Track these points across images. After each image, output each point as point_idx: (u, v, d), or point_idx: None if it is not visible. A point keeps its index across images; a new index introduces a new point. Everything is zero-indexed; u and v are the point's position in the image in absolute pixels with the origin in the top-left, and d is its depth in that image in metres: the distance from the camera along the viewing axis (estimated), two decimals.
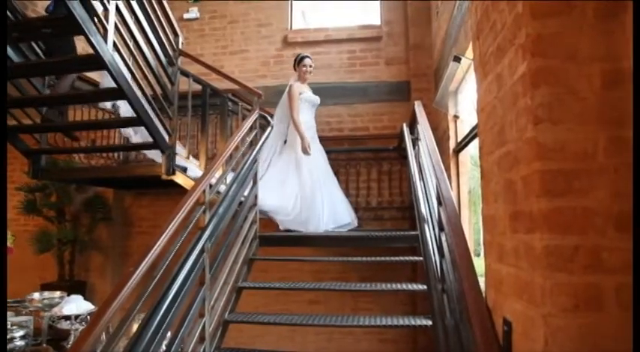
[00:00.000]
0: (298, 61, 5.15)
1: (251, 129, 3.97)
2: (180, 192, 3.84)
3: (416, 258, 3.73)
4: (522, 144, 1.35)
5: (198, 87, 4.43)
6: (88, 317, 3.23)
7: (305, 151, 4.70)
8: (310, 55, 5.21)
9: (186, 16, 6.56)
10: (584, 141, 1.23)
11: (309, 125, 4.98)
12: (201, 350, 2.77)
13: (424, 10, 5.91)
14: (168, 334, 2.43)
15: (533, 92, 1.27)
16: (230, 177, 3.56)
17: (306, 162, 4.74)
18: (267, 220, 4.54)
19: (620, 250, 1.17)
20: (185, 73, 4.30)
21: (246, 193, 3.81)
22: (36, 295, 3.55)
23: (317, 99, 5.16)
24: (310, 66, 5.14)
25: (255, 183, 4.05)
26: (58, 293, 3.58)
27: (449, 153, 4.45)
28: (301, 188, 4.66)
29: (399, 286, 3.57)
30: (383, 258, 3.85)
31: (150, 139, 3.80)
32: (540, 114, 1.25)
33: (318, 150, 4.95)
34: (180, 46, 4.24)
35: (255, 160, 3.92)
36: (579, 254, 1.19)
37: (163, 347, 2.41)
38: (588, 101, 1.24)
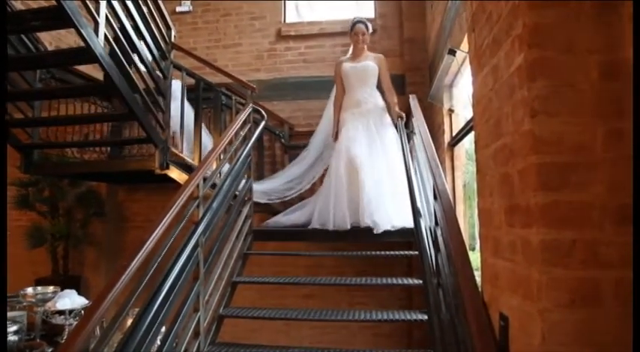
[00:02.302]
0: (350, 30, 4.51)
1: (245, 123, 3.95)
2: (175, 186, 3.82)
3: (411, 253, 3.73)
4: (518, 137, 1.33)
5: (192, 80, 4.40)
6: (82, 311, 3.21)
7: (334, 138, 4.52)
8: (364, 20, 4.53)
9: (178, 9, 6.51)
10: (581, 133, 1.21)
11: (358, 101, 4.41)
12: (196, 344, 2.77)
13: (418, 2, 5.89)
14: (163, 329, 2.42)
15: (529, 84, 1.25)
16: (224, 171, 3.54)
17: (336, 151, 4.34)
18: (263, 215, 4.51)
19: (618, 244, 1.16)
20: (178, 67, 4.28)
21: (240, 187, 3.79)
22: (29, 290, 3.51)
23: (362, 67, 4.41)
24: (363, 34, 4.42)
25: (249, 177, 4.03)
26: (51, 288, 3.54)
27: (444, 147, 4.45)
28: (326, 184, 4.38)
29: (394, 281, 3.57)
30: (378, 253, 3.85)
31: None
32: (537, 107, 1.24)
33: (362, 130, 4.30)
34: (172, 40, 4.21)
35: (249, 154, 3.90)
36: (576, 248, 1.17)
37: (158, 342, 2.40)
38: (585, 93, 1.22)
